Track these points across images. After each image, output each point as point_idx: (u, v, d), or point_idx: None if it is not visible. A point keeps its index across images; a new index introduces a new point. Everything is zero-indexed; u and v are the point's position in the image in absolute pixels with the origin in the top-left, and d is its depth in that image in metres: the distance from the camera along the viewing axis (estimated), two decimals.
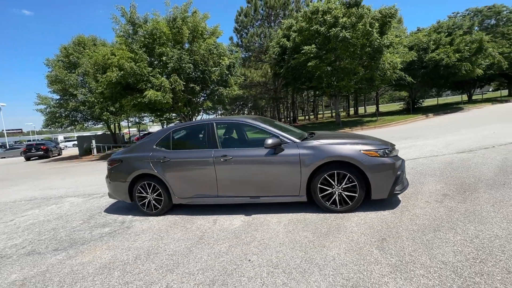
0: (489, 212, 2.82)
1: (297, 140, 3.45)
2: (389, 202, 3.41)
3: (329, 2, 14.86)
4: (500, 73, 23.82)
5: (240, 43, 24.98)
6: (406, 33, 21.52)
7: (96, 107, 18.97)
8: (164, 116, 18.72)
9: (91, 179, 8.33)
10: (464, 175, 4.21)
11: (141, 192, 4.00)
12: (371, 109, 40.66)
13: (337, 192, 3.25)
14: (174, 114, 18.59)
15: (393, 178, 3.11)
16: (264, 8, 22.82)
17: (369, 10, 14.18)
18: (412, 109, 21.98)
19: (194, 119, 21.26)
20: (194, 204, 4.02)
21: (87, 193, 6.20)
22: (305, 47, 14.69)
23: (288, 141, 3.44)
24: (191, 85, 14.00)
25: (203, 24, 14.74)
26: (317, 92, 20.69)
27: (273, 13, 23.17)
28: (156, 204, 3.96)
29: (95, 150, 19.36)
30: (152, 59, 13.69)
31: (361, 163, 3.10)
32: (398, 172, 3.16)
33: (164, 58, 13.59)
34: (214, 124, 3.86)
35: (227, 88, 15.61)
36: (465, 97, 27.13)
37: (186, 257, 2.62)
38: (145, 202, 4.01)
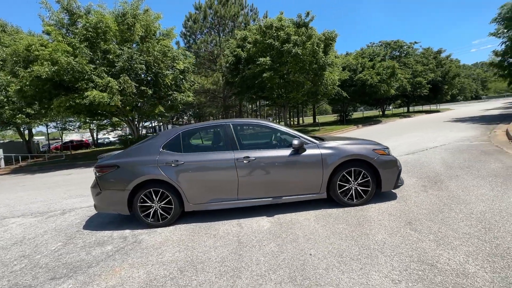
0: (464, 195, 3.64)
1: (317, 141, 3.71)
2: (387, 194, 3.98)
3: (281, 20, 16.11)
4: (402, 93, 30.05)
5: (187, 48, 24.25)
6: (338, 55, 25.00)
7: (6, 108, 15.27)
8: (105, 121, 16.42)
9: (23, 196, 6.67)
10: (425, 171, 5.24)
11: (144, 201, 3.54)
12: (308, 119, 44.88)
13: (353, 188, 3.62)
14: (116, 119, 16.52)
15: (397, 173, 3.69)
16: (214, 17, 22.93)
17: (315, 32, 16.00)
18: (345, 120, 25.46)
19: (141, 125, 19.32)
20: (195, 212, 3.79)
21: (36, 212, 4.98)
22: (261, 59, 15.43)
23: (309, 142, 3.66)
24: (143, 88, 12.81)
25: (156, 24, 13.85)
26: (267, 102, 21.77)
27: (222, 23, 23.48)
28: (163, 213, 3.56)
29: (2, 162, 15.36)
30: (96, 56, 11.99)
31: (374, 160, 3.57)
32: (400, 168, 3.76)
33: (110, 56, 12.12)
34: (232, 125, 3.78)
35: (181, 94, 14.92)
36: (379, 112, 33.09)
37: (241, 261, 2.50)
38: (150, 212, 3.55)
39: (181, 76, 14.74)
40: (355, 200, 3.63)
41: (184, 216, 3.82)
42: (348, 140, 3.95)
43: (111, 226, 3.78)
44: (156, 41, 13.45)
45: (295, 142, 3.49)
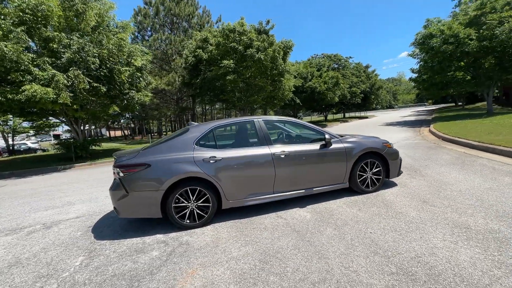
0: (444, 179, 4.58)
1: (339, 137, 4.12)
2: (388, 182, 4.66)
3: (243, 25, 16.49)
4: (341, 101, 34.13)
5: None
6: (291, 62, 26.90)
7: None
8: (40, 121, 13.71)
9: None
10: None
11: (179, 201, 3.31)
12: None
13: (369, 177, 4.15)
14: (56, 120, 13.99)
15: (399, 163, 4.39)
16: (168, 15, 21.73)
17: (275, 40, 16.93)
18: None
19: (90, 126, 16.71)
20: (220, 211, 3.75)
21: (4, 229, 3.99)
22: (225, 61, 15.45)
23: (334, 137, 4.04)
24: (95, 84, 11.27)
25: (110, 15, 12.46)
26: (224, 105, 21.72)
27: (176, 22, 22.45)
28: (200, 213, 3.39)
29: None
30: (36, 45, 10.04)
31: (385, 152, 4.18)
32: (401, 158, 4.47)
33: (54, 45, 10.34)
34: (263, 121, 3.87)
35: (139, 93, 13.70)
36: (322, 117, 36.79)
37: (315, 246, 2.65)
38: (186, 212, 3.34)
39: (139, 74, 13.58)
40: (370, 187, 4.16)
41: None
42: (358, 136, 4.49)
43: (130, 234, 3.38)
44: (112, 33, 12.08)
45: (327, 136, 3.83)
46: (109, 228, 3.64)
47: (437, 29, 17.24)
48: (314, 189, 3.88)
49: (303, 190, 3.83)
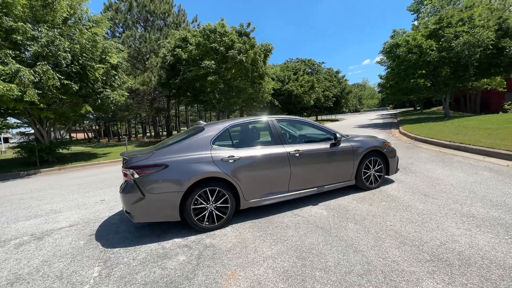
0: (433, 175, 5.00)
1: (345, 136, 4.29)
2: (386, 179, 4.96)
3: (224, 26, 16.39)
4: (315, 104, 35.50)
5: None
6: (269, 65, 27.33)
7: None
8: None
9: None
10: None
11: (197, 202, 3.19)
12: None
13: (372, 174, 4.39)
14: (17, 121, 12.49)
15: (397, 160, 4.70)
16: (142, 11, 20.71)
17: (256, 42, 17.09)
18: None
19: (57, 127, 15.11)
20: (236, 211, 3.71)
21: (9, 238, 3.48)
22: (206, 62, 15.18)
23: (343, 136, 4.21)
24: (66, 81, 10.31)
25: (84, 7, 11.55)
26: (202, 106, 21.29)
27: (151, 19, 21.51)
28: (219, 214, 3.30)
29: None
30: None
31: (385, 151, 4.46)
32: (398, 156, 4.80)
33: (19, 37, 9.28)
34: (277, 121, 3.90)
35: (114, 92, 12.86)
36: None
37: (345, 240, 2.73)
38: (205, 214, 3.23)
39: (114, 72, 12.76)
40: (373, 184, 4.40)
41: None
42: (360, 135, 4.73)
43: (144, 240, 3.16)
44: (85, 27, 11.20)
45: (338, 135, 3.98)
46: (116, 235, 3.36)
47: (403, 39, 18.82)
48: (325, 186, 4.00)
49: (316, 188, 3.92)
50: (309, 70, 37.28)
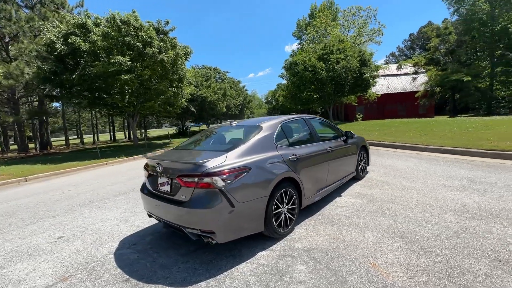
0: (396, 165, 6.49)
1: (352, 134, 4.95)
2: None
3: (137, 19, 14.30)
4: (225, 112, 36.34)
5: None
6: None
7: None
8: None
9: None
10: None
11: (276, 207, 2.91)
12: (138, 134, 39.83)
13: (362, 165, 5.27)
14: None
15: (369, 154, 5.83)
16: None
17: (178, 42, 15.90)
18: (184, 133, 26.30)
19: None
20: None
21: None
22: (118, 57, 12.72)
23: (351, 134, 4.82)
24: None
25: None
26: (103, 110, 17.38)
27: None
28: (290, 216, 3.12)
29: None
30: None
31: (367, 146, 5.46)
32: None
33: None
34: (310, 119, 4.05)
35: None
36: (205, 126, 37.43)
37: (406, 222, 3.26)
38: (281, 219, 2.97)
39: None
40: (363, 173, 5.29)
41: None
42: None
43: (223, 264, 2.56)
44: None
45: (348, 133, 4.56)
46: (178, 269, 2.50)
47: (302, 59, 22.65)
48: (343, 179, 4.46)
49: (339, 181, 4.32)
50: (217, 78, 37.87)
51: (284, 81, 38.21)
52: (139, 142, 18.59)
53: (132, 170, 8.59)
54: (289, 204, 3.08)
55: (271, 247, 2.79)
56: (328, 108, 25.26)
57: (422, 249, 2.50)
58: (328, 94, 23.63)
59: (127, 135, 32.98)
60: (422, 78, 32.77)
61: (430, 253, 2.43)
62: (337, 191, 4.46)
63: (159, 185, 2.88)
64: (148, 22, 15.04)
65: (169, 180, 2.74)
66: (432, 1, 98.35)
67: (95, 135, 30.25)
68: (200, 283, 2.26)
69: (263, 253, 2.69)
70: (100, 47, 13.20)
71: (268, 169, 2.81)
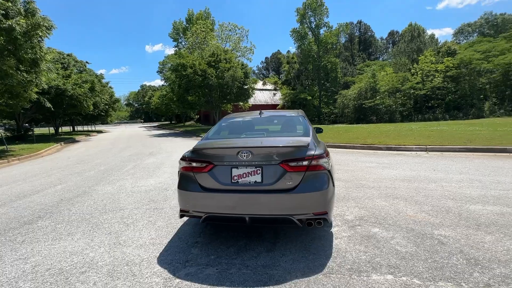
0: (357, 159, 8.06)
1: None
2: None
3: None
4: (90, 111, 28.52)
5: None
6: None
7: None
8: None
9: None
10: None
11: None
12: None
13: None
14: None
15: None
16: None
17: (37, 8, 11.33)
18: (23, 137, 18.46)
19: None
20: None
21: None
22: None
23: None
24: None
25: None
26: None
27: None
28: None
29: None
30: None
31: None
32: None
33: None
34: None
35: None
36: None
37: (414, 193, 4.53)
38: None
39: None
40: None
41: None
42: None
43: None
44: None
45: None
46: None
47: (191, 62, 22.32)
48: None
49: None
50: (77, 69, 28.83)
51: (161, 83, 35.31)
52: None
53: None
54: None
55: (332, 224, 3.09)
56: (215, 113, 26.29)
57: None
58: (215, 99, 24.66)
59: None
60: (278, 95, 41.32)
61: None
62: None
63: (239, 177, 2.47)
64: None
65: (258, 168, 2.44)
66: (282, 33, 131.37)
67: None
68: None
69: (334, 229, 2.96)
70: None
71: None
